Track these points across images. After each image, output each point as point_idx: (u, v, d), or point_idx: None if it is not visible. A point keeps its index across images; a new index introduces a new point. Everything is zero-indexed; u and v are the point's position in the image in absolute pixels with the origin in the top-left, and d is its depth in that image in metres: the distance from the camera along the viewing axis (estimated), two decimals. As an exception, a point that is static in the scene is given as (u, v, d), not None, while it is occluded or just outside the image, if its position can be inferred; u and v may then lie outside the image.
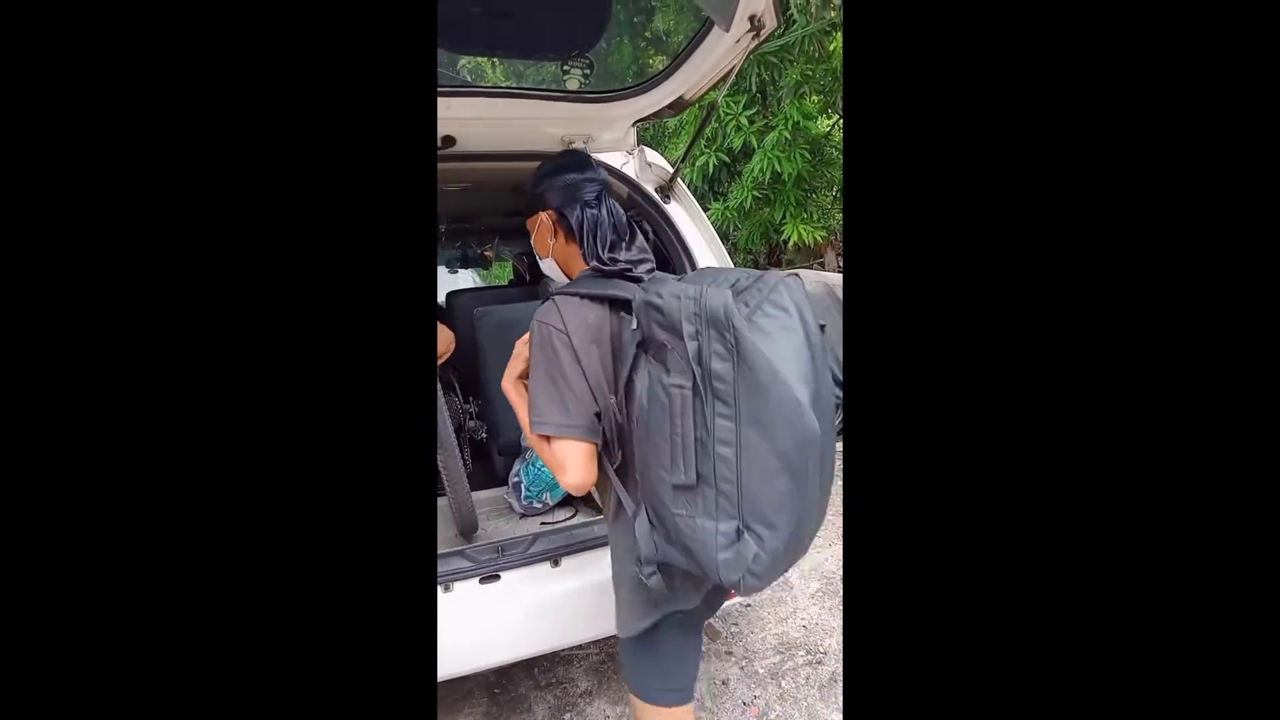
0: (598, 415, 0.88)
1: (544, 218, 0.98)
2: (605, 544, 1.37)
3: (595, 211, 0.95)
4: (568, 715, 1.69)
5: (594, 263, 0.93)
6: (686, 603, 0.96)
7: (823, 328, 0.85)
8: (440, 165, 1.58)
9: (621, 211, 0.98)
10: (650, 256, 0.97)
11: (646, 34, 2.20)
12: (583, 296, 0.89)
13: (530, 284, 2.73)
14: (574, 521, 1.50)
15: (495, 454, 1.73)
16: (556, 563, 1.33)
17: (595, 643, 1.92)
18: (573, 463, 0.88)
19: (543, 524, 1.49)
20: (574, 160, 1.00)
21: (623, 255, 0.94)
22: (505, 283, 4.28)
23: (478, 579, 1.29)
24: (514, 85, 1.53)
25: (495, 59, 2.02)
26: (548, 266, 1.03)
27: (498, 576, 1.30)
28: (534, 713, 1.73)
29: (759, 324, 0.78)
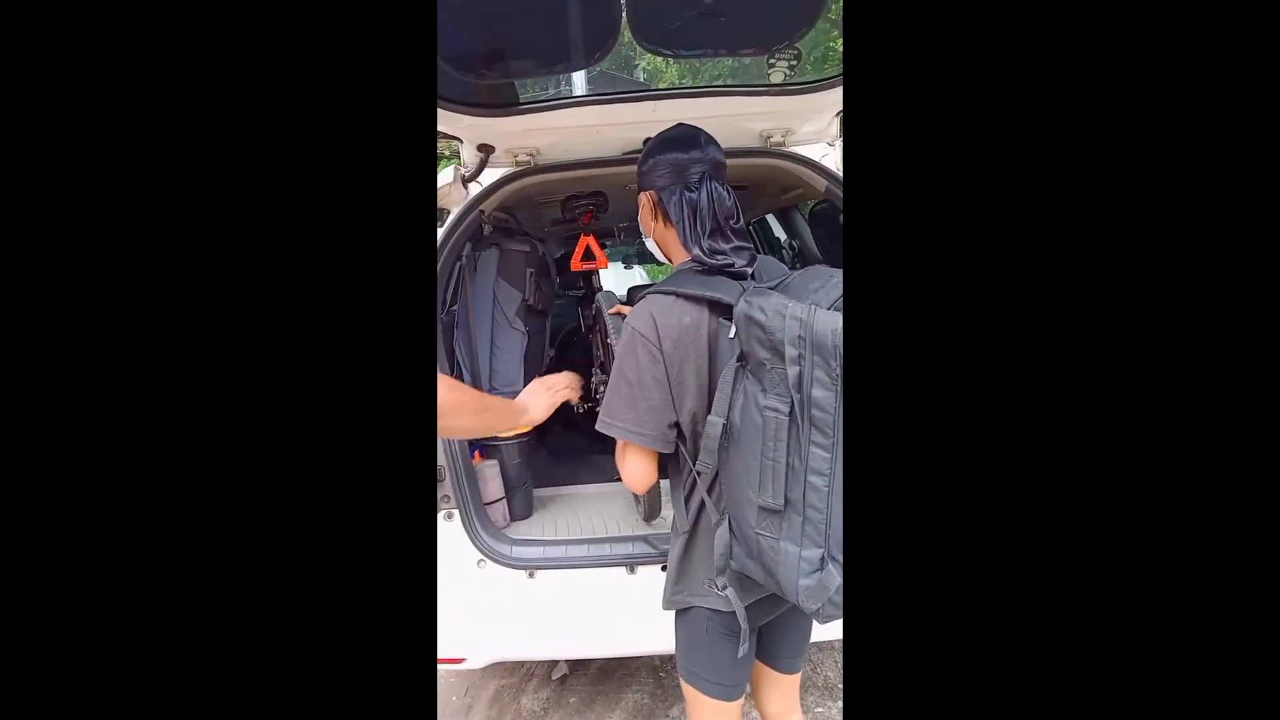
0: (674, 425, 0.86)
1: (644, 198, 0.96)
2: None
3: (695, 195, 0.88)
4: (733, 714, 1.68)
5: (696, 251, 0.88)
6: (721, 604, 0.92)
7: None
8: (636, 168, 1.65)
9: (727, 195, 0.90)
10: (749, 245, 0.91)
11: (847, 17, 2.07)
12: (679, 296, 0.85)
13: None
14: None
15: (674, 445, 1.78)
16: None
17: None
18: (634, 465, 0.89)
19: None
20: (680, 137, 0.94)
21: (723, 245, 0.88)
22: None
23: (660, 565, 1.33)
24: (707, 84, 1.53)
25: (669, 60, 2.06)
26: (650, 245, 1.02)
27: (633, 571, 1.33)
28: (699, 704, 1.76)
29: None
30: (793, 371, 0.73)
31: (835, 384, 0.71)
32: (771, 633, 1.06)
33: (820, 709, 1.70)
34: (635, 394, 0.86)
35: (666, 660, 1.91)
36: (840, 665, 1.86)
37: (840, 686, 1.78)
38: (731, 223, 0.90)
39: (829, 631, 1.38)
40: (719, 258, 0.87)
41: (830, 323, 0.71)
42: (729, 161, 1.61)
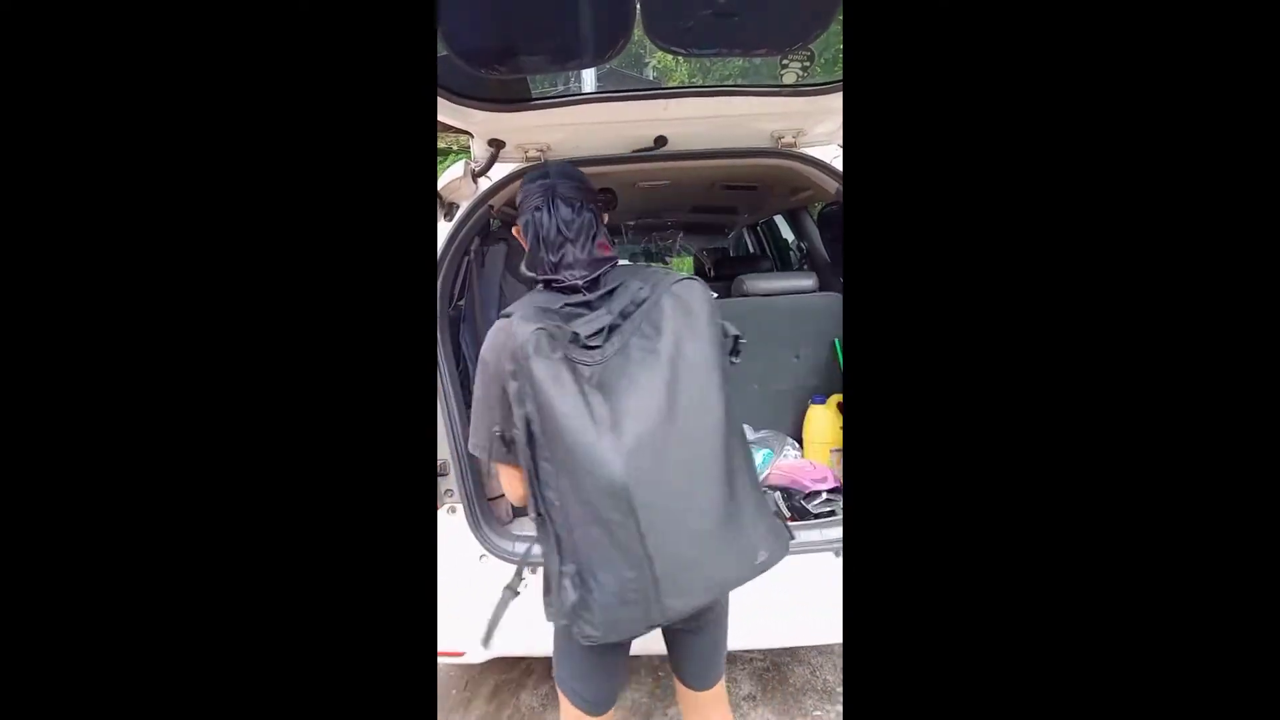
0: (505, 439, 0.86)
1: (515, 230, 0.99)
2: (798, 551, 1.34)
3: (540, 214, 0.91)
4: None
5: (538, 271, 0.92)
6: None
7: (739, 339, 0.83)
8: (647, 165, 1.65)
9: (568, 212, 0.91)
10: (604, 256, 0.92)
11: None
12: (515, 317, 0.84)
13: (713, 279, 2.74)
14: (756, 524, 1.48)
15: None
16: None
17: (762, 650, 1.89)
18: (502, 477, 0.90)
19: (724, 522, 1.49)
20: (531, 173, 0.98)
21: (570, 260, 0.90)
22: (684, 277, 4.34)
23: (662, 566, 1.33)
24: (718, 83, 1.53)
25: (680, 58, 2.05)
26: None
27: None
28: (696, 704, 1.76)
29: (562, 359, 0.75)
30: (513, 387, 0.75)
31: (531, 398, 0.73)
32: (674, 648, 1.06)
33: (819, 713, 1.70)
34: (477, 412, 0.89)
35: (666, 660, 1.91)
36: (839, 669, 1.86)
37: (839, 690, 1.78)
38: (584, 237, 0.91)
39: (827, 635, 1.38)
40: (562, 272, 0.90)
41: (524, 333, 0.74)
42: (739, 161, 1.60)
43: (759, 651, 1.90)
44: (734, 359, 0.83)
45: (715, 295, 0.90)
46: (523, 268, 0.95)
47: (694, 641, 1.01)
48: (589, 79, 1.88)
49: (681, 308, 0.78)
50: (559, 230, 0.91)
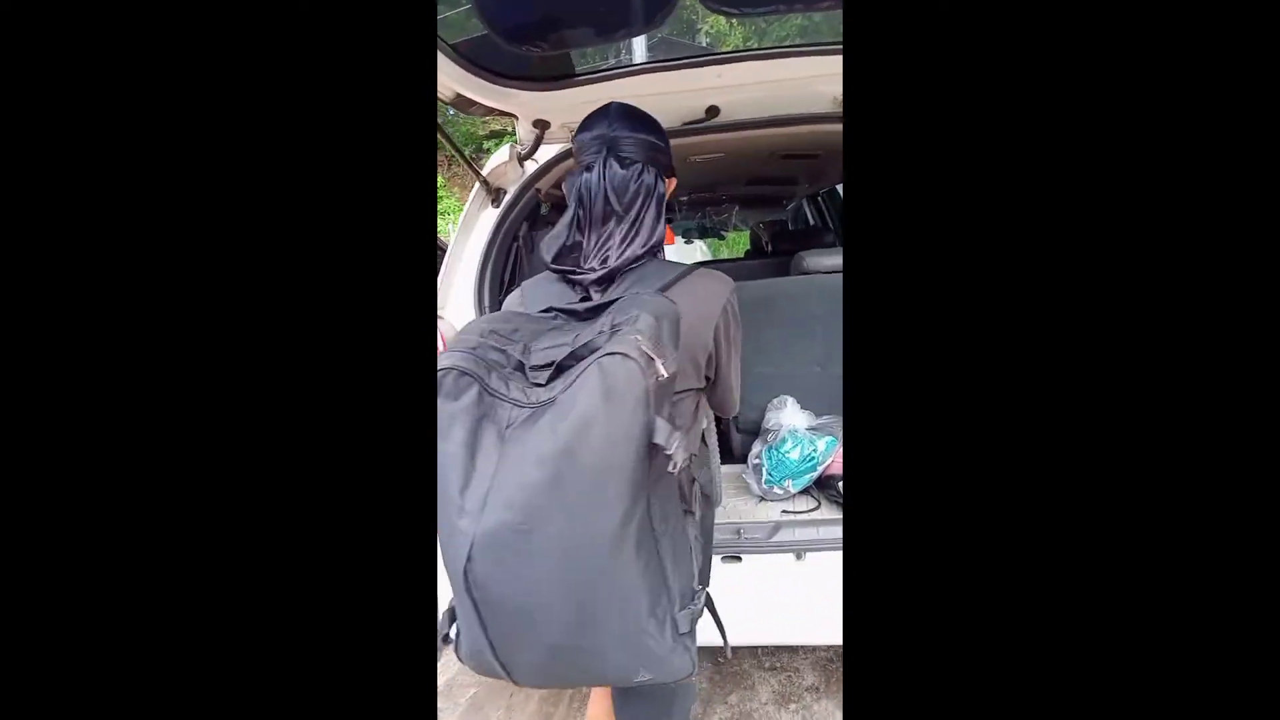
0: None
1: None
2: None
3: (589, 175, 0.76)
4: (793, 707, 1.64)
5: (554, 252, 0.78)
6: None
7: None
8: (699, 138, 1.56)
9: (623, 174, 0.75)
10: (630, 249, 0.75)
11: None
12: (471, 323, 0.73)
13: (772, 255, 2.63)
14: (817, 515, 1.41)
15: (734, 430, 1.71)
16: (800, 557, 1.26)
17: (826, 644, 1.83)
18: None
19: (784, 512, 1.43)
20: (590, 115, 0.82)
21: (601, 240, 0.75)
22: (741, 255, 4.21)
23: (720, 557, 1.29)
24: (774, 44, 1.42)
25: (734, 21, 1.93)
26: None
27: (739, 558, 1.29)
28: (758, 692, 1.72)
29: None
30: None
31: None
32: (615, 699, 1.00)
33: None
34: None
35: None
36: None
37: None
38: (638, 210, 0.76)
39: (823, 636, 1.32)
40: (582, 258, 0.77)
41: (446, 361, 0.63)
42: (798, 129, 1.49)
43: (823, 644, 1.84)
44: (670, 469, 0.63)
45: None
46: (540, 246, 0.81)
47: (628, 701, 0.94)
48: (640, 51, 1.80)
49: (603, 388, 0.59)
50: (606, 199, 0.76)
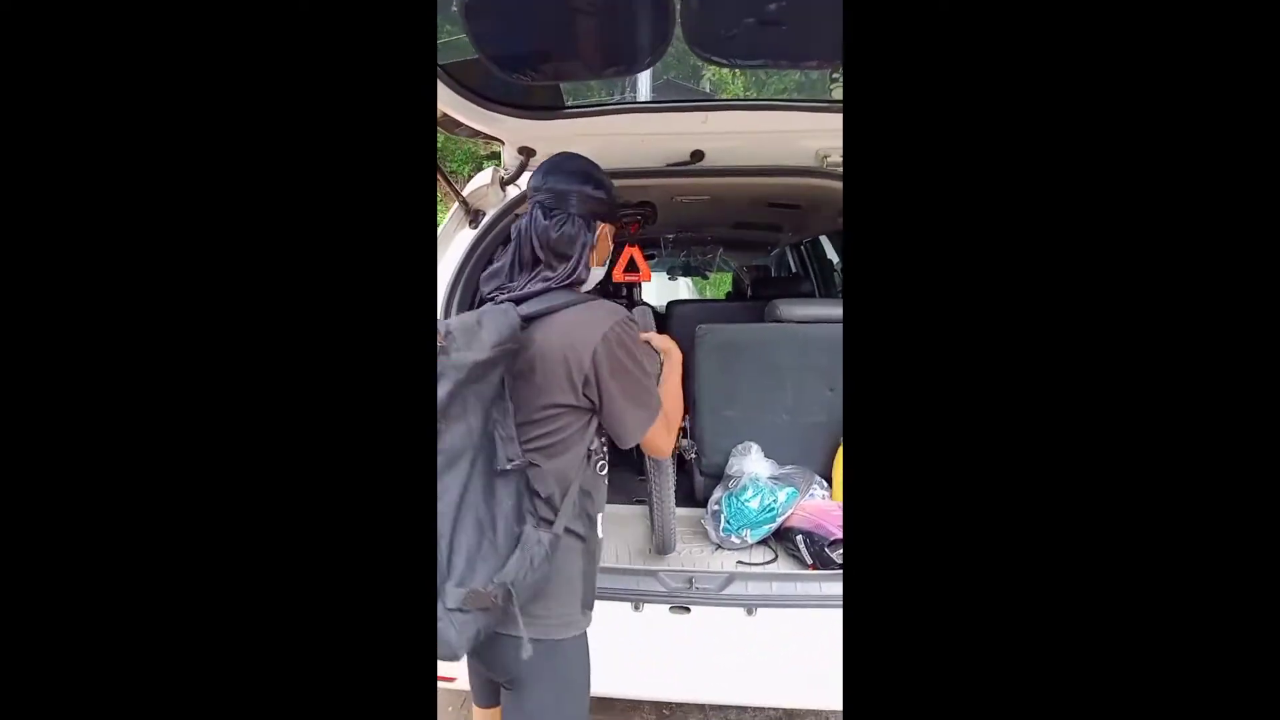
0: None
1: None
2: (808, 605, 1.23)
3: (520, 222, 0.89)
4: (737, 768, 1.57)
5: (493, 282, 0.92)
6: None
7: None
8: (684, 180, 1.57)
9: (548, 222, 0.86)
10: (545, 283, 0.87)
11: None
12: None
13: (751, 299, 2.65)
14: (773, 569, 1.38)
15: (698, 474, 1.68)
16: (752, 612, 1.22)
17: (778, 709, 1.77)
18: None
19: (739, 562, 1.39)
20: (540, 167, 0.93)
21: (531, 274, 0.88)
22: (724, 296, 4.25)
23: (668, 607, 1.24)
24: (770, 97, 1.44)
25: (735, 71, 1.97)
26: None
27: (688, 609, 1.24)
28: (701, 750, 1.65)
29: None
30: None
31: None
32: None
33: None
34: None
35: (649, 705, 1.81)
36: None
37: None
38: (554, 249, 0.87)
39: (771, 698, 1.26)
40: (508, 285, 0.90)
41: None
42: (779, 180, 1.50)
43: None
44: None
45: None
46: (480, 279, 0.92)
47: (511, 700, 0.93)
48: (645, 89, 1.81)
49: None
50: (532, 245, 0.87)
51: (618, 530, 1.59)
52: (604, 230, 0.92)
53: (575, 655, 0.93)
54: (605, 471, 0.96)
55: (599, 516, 0.96)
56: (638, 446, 0.90)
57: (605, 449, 0.97)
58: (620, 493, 1.80)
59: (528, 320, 0.85)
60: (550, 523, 0.85)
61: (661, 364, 1.15)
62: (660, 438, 0.91)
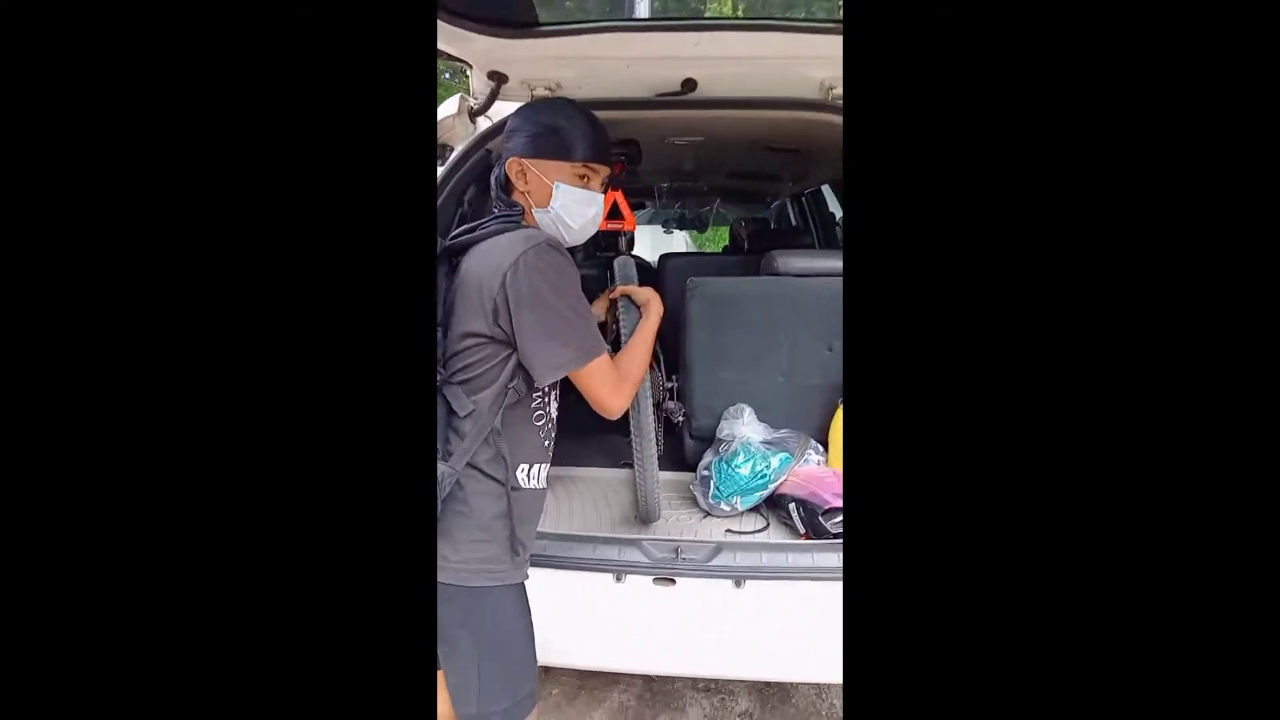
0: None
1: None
2: (800, 577, 1.15)
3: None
4: (723, 734, 1.53)
5: None
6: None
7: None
8: (676, 114, 1.42)
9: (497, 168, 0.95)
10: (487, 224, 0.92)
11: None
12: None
13: (748, 253, 2.50)
14: (763, 538, 1.30)
15: (688, 437, 1.59)
16: (740, 584, 1.14)
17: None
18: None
19: (728, 531, 1.31)
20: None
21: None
22: (720, 249, 4.09)
23: (652, 578, 1.17)
24: (769, 16, 1.28)
25: None
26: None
27: (673, 581, 1.16)
28: (688, 715, 1.62)
29: None
30: None
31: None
32: None
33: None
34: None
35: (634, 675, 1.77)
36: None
37: None
38: (501, 187, 0.95)
39: (759, 671, 1.20)
40: None
41: None
42: (779, 114, 1.36)
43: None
44: None
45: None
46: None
47: (442, 658, 0.89)
48: (644, 8, 1.60)
49: None
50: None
51: (603, 497, 1.50)
52: (510, 164, 0.91)
53: (501, 607, 0.87)
54: (543, 421, 0.92)
55: (535, 468, 0.91)
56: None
57: (548, 398, 0.92)
58: (608, 456, 1.71)
59: (456, 252, 0.86)
60: (478, 470, 0.85)
61: (639, 319, 1.04)
62: (603, 390, 0.85)
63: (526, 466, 0.90)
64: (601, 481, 1.59)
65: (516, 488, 0.88)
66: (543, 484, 0.95)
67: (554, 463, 0.99)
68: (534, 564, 1.20)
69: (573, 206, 0.92)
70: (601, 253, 2.77)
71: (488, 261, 0.82)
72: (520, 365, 0.84)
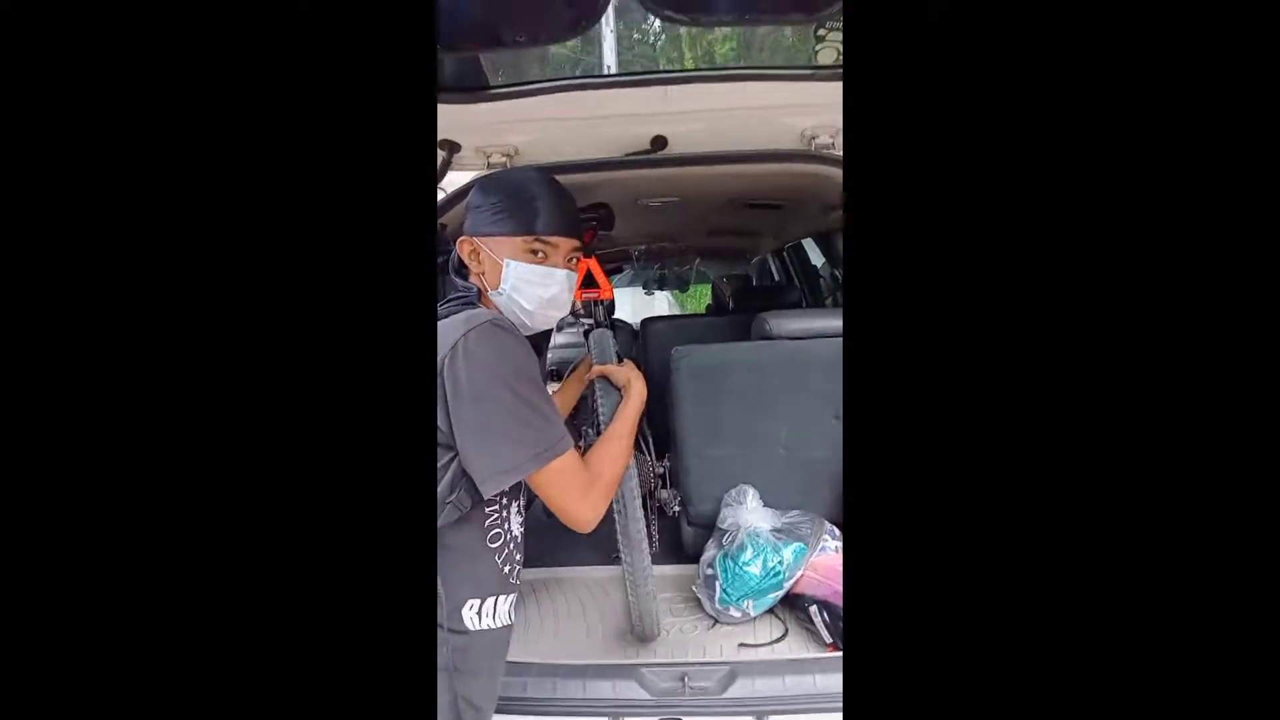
0: None
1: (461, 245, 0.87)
2: (833, 706, 0.95)
3: None
4: None
5: None
6: None
7: None
8: (649, 172, 1.31)
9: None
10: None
11: None
12: None
13: (732, 313, 2.39)
14: (783, 650, 1.10)
15: (685, 523, 1.40)
16: (761, 720, 0.94)
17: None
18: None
19: (742, 646, 1.11)
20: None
21: None
22: (703, 307, 4.00)
23: (659, 719, 0.96)
24: (746, 66, 1.19)
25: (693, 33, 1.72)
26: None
27: (680, 722, 0.96)
28: None
29: None
30: None
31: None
32: None
33: None
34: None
35: None
36: None
37: None
38: (456, 270, 0.86)
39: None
40: None
41: None
42: (760, 168, 1.28)
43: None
44: None
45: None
46: None
47: None
48: (612, 63, 1.52)
49: None
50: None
51: (589, 603, 1.30)
52: (460, 245, 0.82)
53: None
54: (500, 542, 0.76)
55: (491, 603, 0.74)
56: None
57: (506, 511, 0.76)
58: (594, 549, 1.51)
59: None
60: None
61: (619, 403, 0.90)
62: (568, 497, 0.71)
63: (476, 603, 0.73)
64: (588, 584, 1.39)
65: (461, 631, 0.71)
66: (503, 620, 0.77)
67: (528, 563, 0.83)
68: (509, 710, 0.99)
69: (524, 287, 0.79)
70: (583, 318, 2.64)
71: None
72: (464, 473, 0.69)
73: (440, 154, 1.16)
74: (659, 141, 1.20)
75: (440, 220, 1.22)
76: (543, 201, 0.80)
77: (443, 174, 1.19)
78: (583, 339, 1.49)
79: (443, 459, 0.69)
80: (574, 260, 0.86)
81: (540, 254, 0.80)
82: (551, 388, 1.24)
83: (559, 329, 4.31)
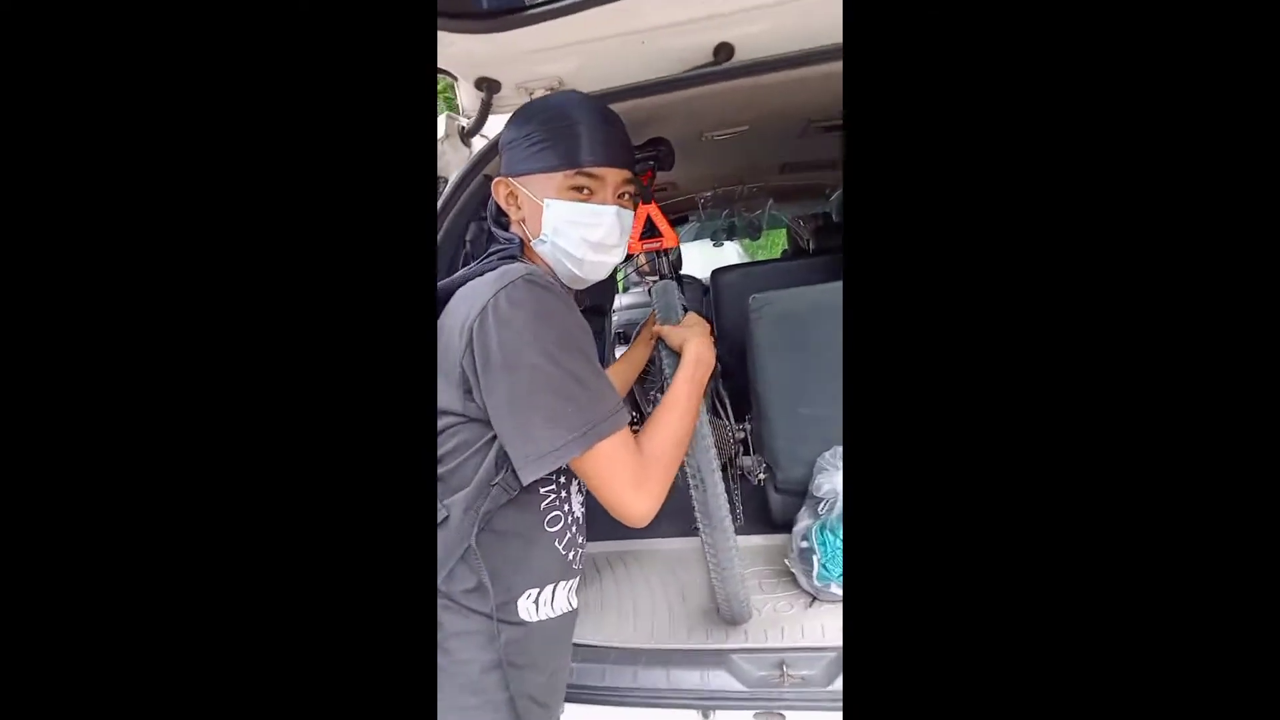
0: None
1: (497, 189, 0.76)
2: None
3: None
4: None
5: None
6: None
7: None
8: (713, 99, 1.13)
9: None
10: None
11: None
12: None
13: (813, 256, 2.17)
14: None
15: (773, 490, 1.27)
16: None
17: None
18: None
19: (847, 627, 0.98)
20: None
21: None
22: (778, 255, 3.75)
23: (752, 713, 0.86)
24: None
25: None
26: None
27: (782, 717, 0.85)
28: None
29: None
30: None
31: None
32: None
33: None
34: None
35: None
36: None
37: None
38: (495, 218, 0.77)
39: None
40: None
41: None
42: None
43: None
44: None
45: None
46: None
47: None
48: None
49: None
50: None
51: (669, 579, 1.20)
52: (497, 187, 0.71)
53: None
54: (560, 525, 0.67)
55: (550, 590, 0.66)
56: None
57: (565, 490, 0.68)
58: (674, 520, 1.41)
59: (441, 304, 0.65)
60: (460, 605, 0.63)
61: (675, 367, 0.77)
62: (617, 485, 0.60)
63: (535, 592, 0.65)
64: (666, 558, 1.30)
65: (516, 623, 0.63)
66: (564, 608, 0.69)
67: (598, 536, 0.74)
68: (580, 699, 0.91)
69: (568, 229, 0.67)
70: (648, 276, 2.49)
71: (457, 314, 0.62)
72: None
73: (479, 95, 1.04)
74: (724, 49, 1.02)
75: (485, 171, 1.11)
76: (585, 127, 0.67)
77: (484, 119, 1.07)
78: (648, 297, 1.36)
79: (482, 438, 0.60)
80: (625, 196, 0.72)
81: (585, 190, 0.68)
82: (620, 352, 1.12)
83: (625, 289, 4.19)
